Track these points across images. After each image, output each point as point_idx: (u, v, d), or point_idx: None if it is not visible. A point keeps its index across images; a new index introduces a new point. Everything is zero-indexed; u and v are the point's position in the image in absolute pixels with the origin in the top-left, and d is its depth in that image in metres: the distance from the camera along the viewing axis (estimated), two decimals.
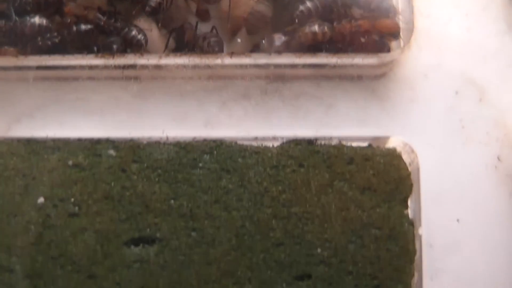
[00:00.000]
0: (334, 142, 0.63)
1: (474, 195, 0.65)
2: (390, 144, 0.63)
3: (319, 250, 0.61)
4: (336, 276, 0.61)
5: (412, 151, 0.64)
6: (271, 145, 0.63)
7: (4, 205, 0.61)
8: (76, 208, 0.61)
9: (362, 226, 0.61)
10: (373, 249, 0.61)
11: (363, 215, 0.61)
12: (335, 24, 0.64)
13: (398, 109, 0.66)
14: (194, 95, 0.66)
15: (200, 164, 0.62)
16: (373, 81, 0.67)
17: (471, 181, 0.66)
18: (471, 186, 0.66)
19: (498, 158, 0.67)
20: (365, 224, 0.61)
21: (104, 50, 0.64)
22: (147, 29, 0.65)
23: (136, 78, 0.65)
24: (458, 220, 0.66)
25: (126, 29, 0.64)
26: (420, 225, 0.62)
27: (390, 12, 0.66)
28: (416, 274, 0.61)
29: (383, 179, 0.62)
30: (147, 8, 0.64)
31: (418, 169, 0.65)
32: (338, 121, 0.67)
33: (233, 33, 0.67)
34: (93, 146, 0.63)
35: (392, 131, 0.64)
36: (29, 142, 0.63)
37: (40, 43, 0.63)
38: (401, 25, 0.65)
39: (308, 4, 0.64)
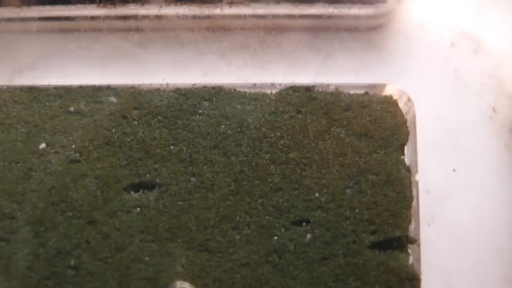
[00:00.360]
0: (331, 90, 0.60)
1: (469, 145, 0.62)
2: (387, 92, 0.61)
3: (317, 195, 0.58)
4: (334, 221, 0.59)
5: (409, 99, 0.61)
6: (269, 92, 0.61)
7: (6, 152, 0.59)
8: (77, 154, 0.59)
9: (359, 172, 0.59)
10: (370, 194, 0.59)
11: (360, 161, 0.59)
12: None
13: (394, 60, 0.63)
14: (194, 45, 0.64)
15: (200, 111, 0.60)
16: (370, 32, 0.65)
17: (466, 131, 0.63)
18: (467, 136, 0.63)
19: (493, 109, 0.65)
20: (362, 170, 0.59)
21: (106, 0, 0.62)
22: None
23: (137, 29, 0.63)
24: (454, 170, 0.65)
25: None
26: (416, 171, 0.60)
27: None
28: (413, 221, 0.60)
29: (379, 126, 0.59)
30: None
31: (414, 118, 0.62)
32: (336, 70, 0.64)
33: None
34: (94, 93, 0.60)
35: (389, 80, 0.62)
36: (31, 90, 0.61)
37: None
38: None
39: None
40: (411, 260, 0.59)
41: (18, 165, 0.59)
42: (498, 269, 0.62)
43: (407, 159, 0.61)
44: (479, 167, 0.63)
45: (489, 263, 0.62)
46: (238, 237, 0.59)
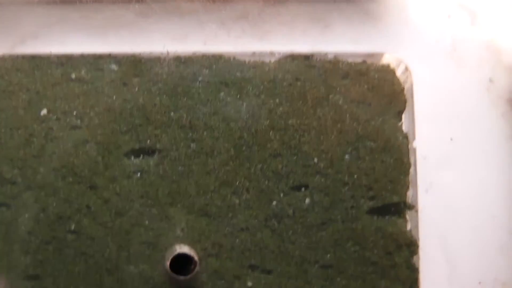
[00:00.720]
0: (329, 58, 0.59)
1: (466, 115, 0.60)
2: (384, 61, 0.59)
3: (315, 160, 0.57)
4: (332, 187, 0.57)
5: (406, 68, 0.59)
6: (268, 61, 0.59)
7: (7, 119, 0.57)
8: (78, 120, 0.57)
9: (357, 138, 0.57)
10: (368, 160, 0.57)
11: (358, 128, 0.57)
12: None
13: (392, 31, 0.61)
14: (194, 14, 0.61)
15: (200, 78, 0.58)
16: (368, 3, 0.61)
17: (463, 102, 0.60)
18: (464, 106, 0.60)
19: (490, 80, 0.64)
20: (360, 136, 0.57)
21: None
22: None
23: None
24: (451, 139, 0.64)
25: None
26: (414, 138, 0.58)
27: None
28: (411, 187, 0.58)
29: (377, 94, 0.58)
30: None
31: (411, 87, 0.61)
32: (334, 39, 0.62)
33: None
34: (96, 61, 0.58)
35: (386, 50, 0.59)
36: (33, 58, 0.58)
37: None
38: None
39: None
40: (409, 226, 0.57)
41: (19, 131, 0.57)
42: (494, 236, 0.61)
43: (404, 127, 0.58)
44: (476, 136, 0.61)
45: (485, 230, 0.61)
46: (237, 201, 0.57)
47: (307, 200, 0.57)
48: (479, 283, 0.60)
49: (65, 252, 0.57)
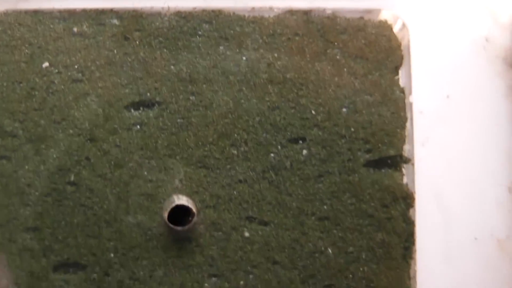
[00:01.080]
0: (327, 14, 0.57)
1: (463, 74, 0.58)
2: (382, 17, 0.58)
3: (313, 112, 0.55)
4: (330, 139, 0.55)
5: (403, 25, 0.57)
6: (267, 16, 0.57)
7: (9, 73, 0.56)
8: (80, 74, 0.56)
9: (355, 92, 0.56)
10: (365, 114, 0.55)
11: (355, 82, 0.56)
12: None
13: None
14: None
15: (200, 32, 0.56)
16: None
17: (460, 60, 0.58)
18: (460, 65, 0.58)
19: (486, 39, 0.63)
20: (358, 90, 0.56)
21: None
22: None
23: None
24: (447, 96, 0.63)
25: None
26: (410, 93, 0.57)
27: None
28: (407, 141, 0.56)
29: (374, 48, 0.56)
30: None
31: (408, 43, 0.58)
32: None
33: None
34: (97, 16, 0.57)
35: (384, 6, 0.58)
36: (36, 13, 0.57)
37: None
38: None
39: None
40: (405, 179, 0.56)
41: (21, 85, 0.56)
42: (490, 192, 0.59)
43: (401, 83, 0.57)
44: (472, 94, 0.59)
45: (482, 186, 0.59)
46: (235, 153, 0.55)
47: (305, 152, 0.56)
48: (475, 238, 0.59)
49: (64, 203, 0.56)
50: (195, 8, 0.57)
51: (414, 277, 0.55)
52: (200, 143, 0.55)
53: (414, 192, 0.55)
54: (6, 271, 0.56)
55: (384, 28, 0.57)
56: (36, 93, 0.56)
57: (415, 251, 0.55)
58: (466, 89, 0.58)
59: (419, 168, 0.56)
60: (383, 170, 0.55)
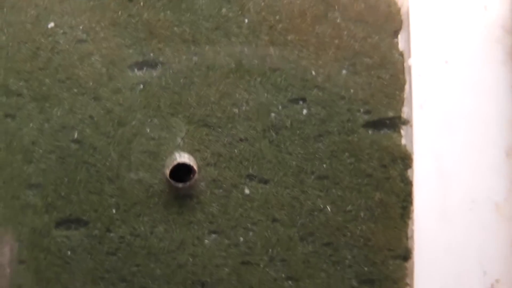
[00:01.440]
0: None
1: (461, 40, 0.59)
2: None
3: (313, 73, 0.56)
4: (330, 100, 0.56)
5: None
6: None
7: (15, 33, 0.57)
8: (84, 35, 0.56)
9: (354, 55, 0.56)
10: (364, 76, 0.56)
11: (355, 45, 0.56)
12: None
13: None
14: None
15: None
16: None
17: (458, 27, 0.59)
18: (459, 32, 0.59)
19: (485, 8, 0.64)
20: (357, 53, 0.56)
21: None
22: None
23: None
24: (446, 61, 0.63)
25: None
26: (409, 57, 0.58)
27: None
28: (406, 103, 0.57)
29: (374, 13, 0.57)
30: None
31: (408, 9, 0.58)
32: None
33: None
34: None
35: None
36: None
37: None
38: None
39: None
40: (404, 141, 0.56)
41: (26, 45, 0.56)
42: (488, 155, 0.60)
43: (400, 47, 0.57)
44: (471, 60, 0.60)
45: (480, 150, 0.60)
46: (237, 113, 0.57)
47: (305, 111, 0.57)
48: (472, 201, 0.60)
49: (67, 161, 0.57)
50: None
51: (412, 236, 0.56)
52: (202, 102, 0.56)
53: (413, 153, 0.56)
54: (10, 247, 0.56)
55: None
56: (41, 53, 0.57)
57: (412, 211, 0.56)
58: (465, 55, 0.59)
59: (418, 130, 0.57)
60: (382, 131, 0.56)
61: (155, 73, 0.56)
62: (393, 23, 0.57)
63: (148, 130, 0.56)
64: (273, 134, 0.56)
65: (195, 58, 0.56)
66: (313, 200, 0.56)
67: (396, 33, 0.57)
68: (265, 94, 0.56)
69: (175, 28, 0.57)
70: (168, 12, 0.57)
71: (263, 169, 0.56)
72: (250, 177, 0.56)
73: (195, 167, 0.55)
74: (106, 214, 0.56)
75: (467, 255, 0.58)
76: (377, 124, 0.56)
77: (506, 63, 0.59)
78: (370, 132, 0.56)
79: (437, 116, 0.58)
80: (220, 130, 0.56)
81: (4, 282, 0.56)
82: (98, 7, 0.57)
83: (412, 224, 0.56)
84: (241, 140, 0.56)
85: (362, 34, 0.57)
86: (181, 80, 0.56)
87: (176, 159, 0.55)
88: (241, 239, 0.56)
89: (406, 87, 0.57)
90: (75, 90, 0.56)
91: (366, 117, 0.56)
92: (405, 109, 0.57)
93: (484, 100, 0.58)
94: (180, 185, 0.54)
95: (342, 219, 0.56)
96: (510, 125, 0.58)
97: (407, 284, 0.56)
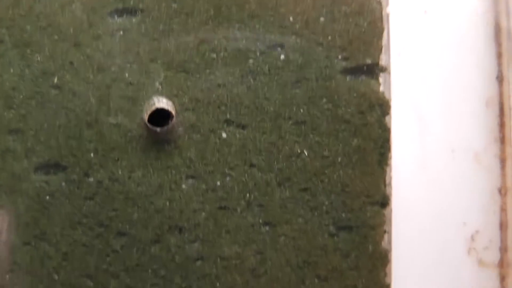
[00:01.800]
0: None
1: None
2: None
3: (291, 19, 0.56)
4: (307, 47, 0.56)
5: None
6: None
7: None
8: None
9: (332, 2, 0.56)
10: (343, 23, 0.56)
11: None
12: None
13: None
14: None
15: None
16: None
17: None
18: None
19: None
20: (335, 0, 0.56)
21: None
22: None
23: None
24: (425, 11, 0.62)
25: None
26: (388, 5, 0.57)
27: None
28: (384, 51, 0.56)
29: None
30: None
31: None
32: None
33: None
34: None
35: None
36: None
37: None
38: None
39: None
40: (382, 88, 0.56)
41: None
42: (467, 105, 0.60)
43: None
44: (450, 12, 0.61)
45: (459, 99, 0.60)
46: (215, 58, 0.57)
47: (282, 57, 0.57)
48: (452, 151, 0.60)
49: (47, 106, 0.57)
50: None
51: (390, 183, 0.56)
52: (180, 48, 0.56)
53: (391, 100, 0.56)
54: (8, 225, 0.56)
55: None
56: (23, 0, 0.57)
57: (390, 158, 0.56)
58: (444, 6, 0.59)
59: (396, 78, 0.57)
60: (359, 78, 0.56)
61: (134, 19, 0.57)
62: None
63: (127, 75, 0.56)
64: (251, 79, 0.56)
65: (174, 5, 0.57)
66: (291, 146, 0.56)
67: None
68: (243, 41, 0.56)
69: None
70: None
71: (240, 114, 0.56)
72: (228, 122, 0.56)
73: (173, 112, 0.55)
74: (84, 159, 0.56)
75: (446, 206, 0.58)
76: (355, 71, 0.56)
77: (485, 14, 0.59)
78: (348, 78, 0.56)
79: (416, 64, 0.58)
80: (198, 75, 0.56)
81: None
82: None
83: (390, 171, 0.56)
84: (219, 85, 0.56)
85: None
86: (160, 27, 0.56)
87: (154, 104, 0.55)
88: (218, 183, 0.56)
89: (384, 34, 0.57)
90: (56, 37, 0.57)
91: (344, 63, 0.56)
92: (383, 57, 0.57)
93: (464, 50, 0.58)
94: (158, 129, 0.55)
95: (320, 165, 0.56)
96: (490, 74, 0.58)
97: (384, 231, 0.56)
